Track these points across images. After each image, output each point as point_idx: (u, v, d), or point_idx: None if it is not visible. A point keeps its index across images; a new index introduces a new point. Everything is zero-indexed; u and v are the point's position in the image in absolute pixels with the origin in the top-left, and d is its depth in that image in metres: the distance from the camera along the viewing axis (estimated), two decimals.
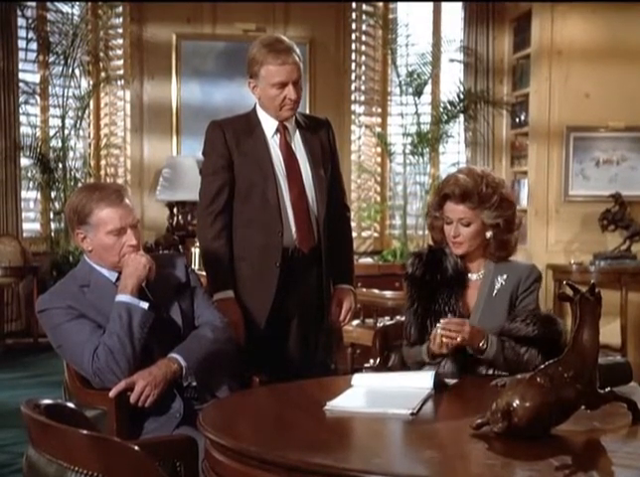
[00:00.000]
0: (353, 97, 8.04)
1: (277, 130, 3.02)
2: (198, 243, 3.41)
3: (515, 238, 2.74)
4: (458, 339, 2.49)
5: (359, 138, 8.10)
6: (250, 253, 2.96)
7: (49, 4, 7.57)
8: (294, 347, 3.00)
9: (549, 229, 6.33)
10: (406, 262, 2.79)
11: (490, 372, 2.62)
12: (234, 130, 3.00)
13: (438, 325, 2.53)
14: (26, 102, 7.49)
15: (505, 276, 2.70)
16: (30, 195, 7.52)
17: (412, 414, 2.06)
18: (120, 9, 7.77)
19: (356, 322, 4.75)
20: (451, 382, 2.40)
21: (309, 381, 2.52)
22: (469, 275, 2.72)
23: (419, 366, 2.67)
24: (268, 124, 3.02)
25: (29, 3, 7.47)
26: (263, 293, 2.95)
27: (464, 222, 2.65)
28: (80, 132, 7.67)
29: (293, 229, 2.96)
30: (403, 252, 7.33)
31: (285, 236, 2.94)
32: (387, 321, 4.20)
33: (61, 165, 7.42)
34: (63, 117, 7.45)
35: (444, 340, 2.50)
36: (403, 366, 2.76)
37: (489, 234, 2.68)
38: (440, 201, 2.71)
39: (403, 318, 2.84)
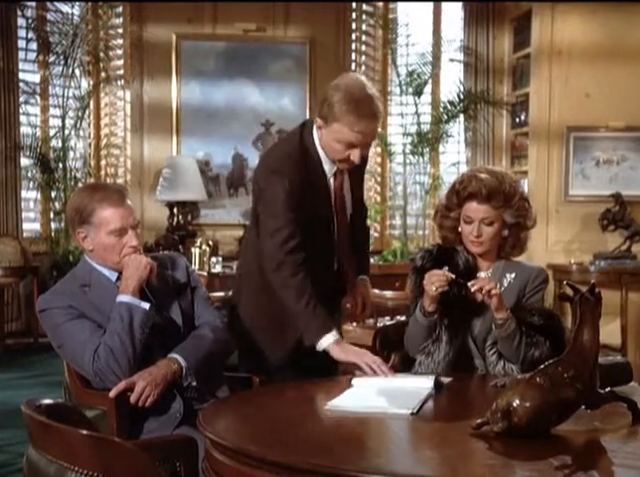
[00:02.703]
0: None
1: (335, 174, 2.79)
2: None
3: (528, 235, 2.76)
4: (495, 290, 2.50)
5: None
6: None
7: (49, 4, 7.56)
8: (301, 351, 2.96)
9: (549, 228, 6.33)
10: (415, 256, 2.79)
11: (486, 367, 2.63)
12: (302, 174, 2.70)
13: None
14: (26, 102, 7.48)
15: (513, 275, 2.72)
16: (30, 195, 7.52)
17: (412, 414, 2.06)
18: (120, 9, 7.77)
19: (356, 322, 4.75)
20: (447, 380, 2.42)
21: (309, 381, 2.52)
22: (479, 273, 2.73)
23: (417, 340, 2.68)
24: (328, 166, 2.76)
25: (29, 3, 7.46)
26: None
27: (487, 221, 2.66)
28: (81, 132, 7.66)
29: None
30: (404, 252, 7.33)
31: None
32: (387, 321, 4.21)
33: (61, 165, 7.42)
34: (63, 117, 7.45)
35: (485, 289, 2.51)
36: (404, 365, 2.76)
37: (506, 232, 2.70)
38: (462, 200, 2.70)
39: (404, 318, 2.85)
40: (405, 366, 2.75)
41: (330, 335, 2.60)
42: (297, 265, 2.62)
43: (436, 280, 2.53)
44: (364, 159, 2.87)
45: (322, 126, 2.65)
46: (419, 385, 2.31)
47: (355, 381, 2.40)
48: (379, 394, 2.28)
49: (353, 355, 2.58)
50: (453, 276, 2.54)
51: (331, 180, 2.78)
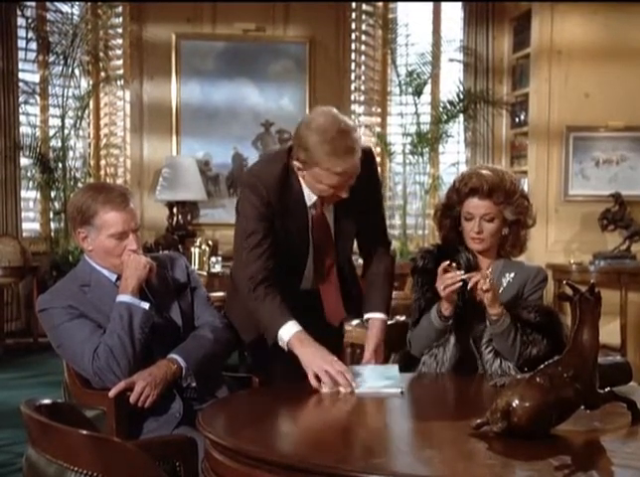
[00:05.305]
0: (353, 97, 8.04)
1: (315, 204, 2.68)
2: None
3: (528, 234, 2.77)
4: (486, 285, 2.50)
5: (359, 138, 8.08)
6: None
7: (48, 4, 7.57)
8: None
9: (548, 228, 6.34)
10: (416, 256, 2.79)
11: (487, 366, 2.63)
12: (274, 196, 2.63)
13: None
14: (26, 102, 7.49)
15: (513, 274, 2.72)
16: (30, 195, 7.52)
17: (402, 393, 2.27)
18: (120, 9, 7.77)
19: (355, 322, 4.74)
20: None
21: (309, 380, 2.52)
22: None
23: (427, 342, 2.68)
24: (309, 193, 2.65)
25: (29, 3, 7.46)
26: None
27: (488, 217, 2.66)
28: (80, 132, 7.67)
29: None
30: (403, 252, 7.33)
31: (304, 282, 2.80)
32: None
33: (60, 165, 7.42)
34: (62, 117, 7.45)
35: (472, 280, 2.50)
36: (403, 365, 2.76)
37: (506, 230, 2.70)
38: (463, 197, 2.70)
39: (404, 318, 2.85)
40: (405, 365, 2.75)
41: (288, 327, 2.50)
42: (262, 271, 2.58)
43: (451, 283, 2.53)
44: (371, 192, 2.77)
45: (301, 169, 2.53)
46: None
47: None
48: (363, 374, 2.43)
49: (308, 362, 2.41)
50: (469, 276, 2.54)
51: (312, 209, 2.68)
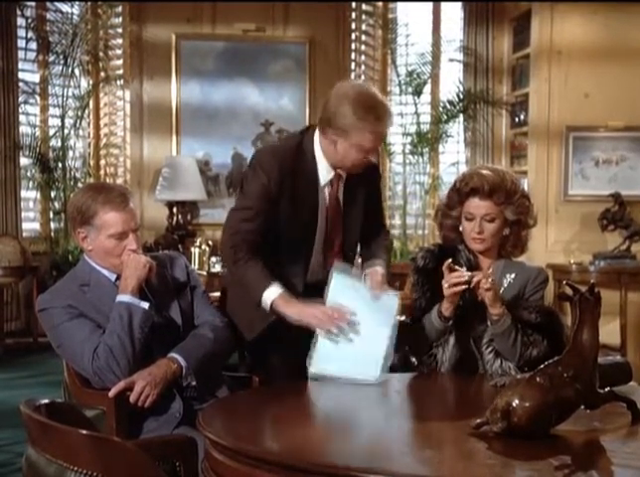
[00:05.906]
0: None
1: (331, 182, 2.76)
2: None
3: (529, 234, 2.77)
4: (487, 285, 2.50)
5: None
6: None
7: (48, 4, 7.55)
8: (297, 348, 2.95)
9: (548, 228, 6.33)
10: (417, 256, 2.78)
11: (488, 367, 2.63)
12: (286, 176, 2.70)
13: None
14: (25, 102, 7.47)
15: (513, 275, 2.72)
16: (29, 194, 7.52)
17: (377, 381, 2.42)
18: (120, 9, 7.76)
19: None
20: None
21: (308, 381, 2.52)
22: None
23: (432, 338, 2.68)
24: (324, 173, 2.74)
25: (28, 3, 7.45)
26: None
27: (488, 218, 2.67)
28: (80, 132, 7.66)
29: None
30: (403, 252, 7.33)
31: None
32: None
33: (60, 165, 7.42)
34: (62, 117, 7.45)
35: (475, 279, 2.52)
36: (404, 365, 2.76)
37: (507, 230, 2.70)
38: (463, 197, 2.70)
39: (403, 318, 2.85)
40: (405, 366, 2.75)
41: (272, 289, 2.58)
42: (248, 243, 2.65)
43: (457, 282, 2.53)
44: (375, 180, 2.91)
45: (339, 138, 2.61)
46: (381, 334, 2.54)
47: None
48: (347, 354, 2.50)
49: (301, 312, 2.54)
50: (472, 275, 2.54)
51: (326, 189, 2.75)
